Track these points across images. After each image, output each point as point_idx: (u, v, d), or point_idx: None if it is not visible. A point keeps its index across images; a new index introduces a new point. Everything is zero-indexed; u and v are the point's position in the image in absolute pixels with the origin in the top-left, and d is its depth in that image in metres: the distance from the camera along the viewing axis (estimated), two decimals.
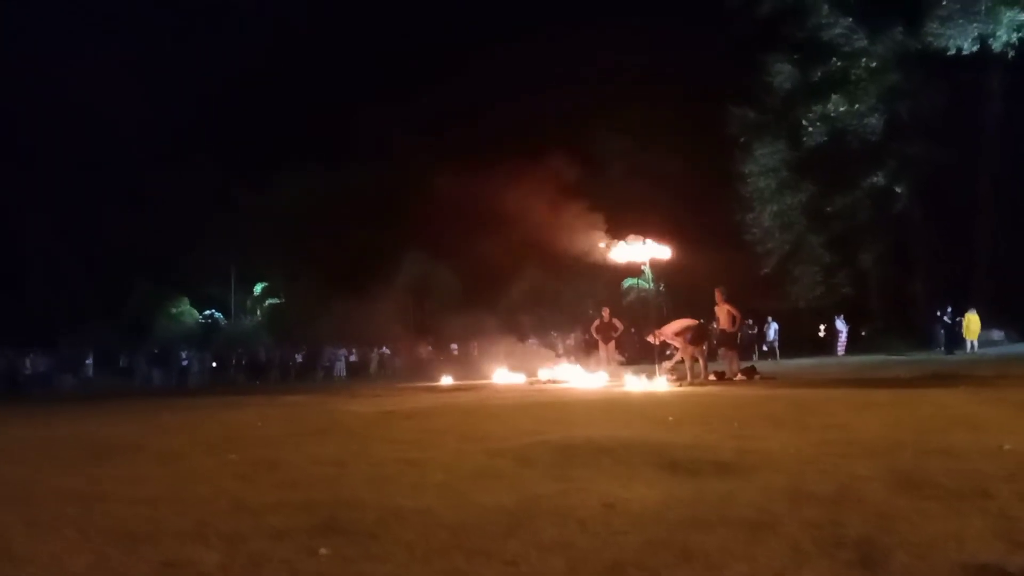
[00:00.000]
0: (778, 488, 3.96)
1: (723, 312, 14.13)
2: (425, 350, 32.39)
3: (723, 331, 14.37)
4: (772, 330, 27.03)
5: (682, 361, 14.12)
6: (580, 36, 33.34)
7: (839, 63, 27.52)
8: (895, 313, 28.48)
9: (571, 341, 29.48)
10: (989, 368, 13.93)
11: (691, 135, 30.82)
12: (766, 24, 27.51)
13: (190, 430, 8.26)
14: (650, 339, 15.00)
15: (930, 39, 24.86)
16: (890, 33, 26.56)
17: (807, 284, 29.33)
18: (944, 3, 24.26)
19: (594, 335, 18.02)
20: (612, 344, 17.46)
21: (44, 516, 3.93)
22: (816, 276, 29.26)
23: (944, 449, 4.90)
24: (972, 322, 23.69)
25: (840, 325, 27.17)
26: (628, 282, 33.00)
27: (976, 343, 23.73)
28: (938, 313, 24.41)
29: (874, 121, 27.43)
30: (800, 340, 27.50)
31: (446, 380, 18.81)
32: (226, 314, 42.93)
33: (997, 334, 26.57)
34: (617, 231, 19.32)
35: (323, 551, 3.11)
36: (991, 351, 22.79)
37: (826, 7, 27.17)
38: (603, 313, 17.62)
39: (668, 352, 15.60)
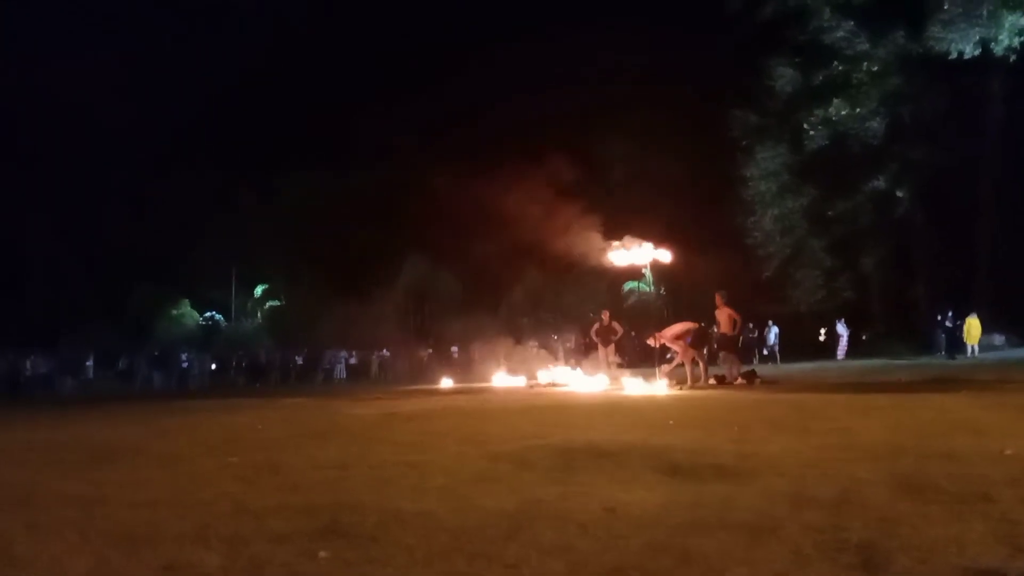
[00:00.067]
0: (779, 492, 3.95)
1: (724, 316, 14.10)
2: (425, 353, 32.37)
3: (723, 335, 14.31)
4: (773, 334, 27.04)
5: (682, 365, 14.11)
6: (580, 37, 33.39)
7: (841, 67, 27.54)
8: (896, 317, 28.48)
9: (571, 344, 29.47)
10: (990, 372, 13.95)
11: (692, 138, 30.84)
12: (768, 27, 27.57)
13: (190, 433, 8.26)
14: (650, 342, 14.97)
15: (932, 43, 24.84)
16: (892, 37, 26.57)
17: (808, 288, 29.34)
18: (946, 7, 24.25)
19: (594, 338, 17.98)
20: (612, 347, 17.45)
21: (45, 519, 3.93)
22: (817, 280, 29.26)
23: (946, 453, 4.90)
24: (973, 326, 23.67)
25: (841, 329, 27.12)
26: (629, 285, 33.03)
27: (977, 347, 23.71)
28: (939, 317, 24.37)
29: (875, 125, 27.44)
30: (801, 344, 27.48)
31: (446, 383, 18.78)
32: (227, 316, 42.88)
33: (998, 339, 26.59)
34: (618, 234, 19.28)
35: (323, 554, 3.11)
36: (992, 355, 22.82)
37: (828, 10, 27.19)
38: (603, 316, 17.58)
39: (668, 356, 15.59)
